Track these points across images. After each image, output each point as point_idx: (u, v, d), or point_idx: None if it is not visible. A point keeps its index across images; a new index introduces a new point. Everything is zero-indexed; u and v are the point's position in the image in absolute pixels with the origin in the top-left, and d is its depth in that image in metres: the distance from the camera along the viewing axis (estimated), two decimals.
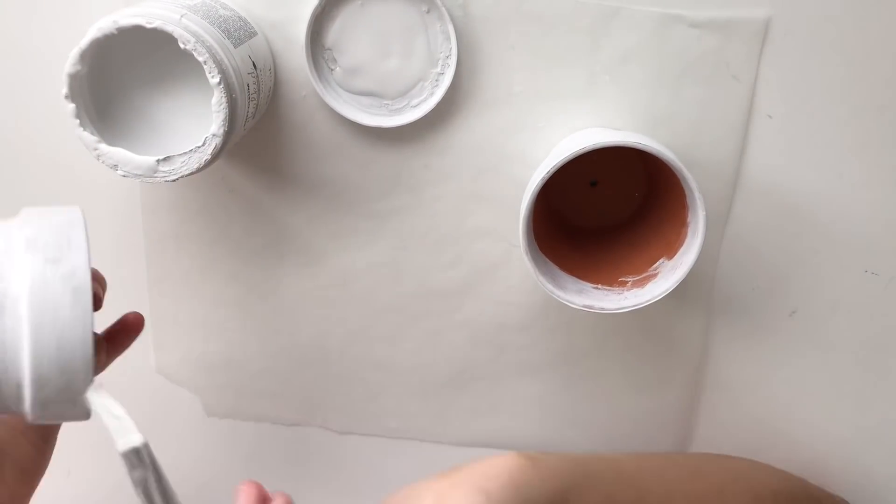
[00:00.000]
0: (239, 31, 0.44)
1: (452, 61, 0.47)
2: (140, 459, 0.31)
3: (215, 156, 0.41)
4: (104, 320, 0.58)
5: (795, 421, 0.56)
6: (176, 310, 0.56)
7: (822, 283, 0.52)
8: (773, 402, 0.56)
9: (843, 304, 0.53)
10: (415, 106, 0.49)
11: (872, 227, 0.51)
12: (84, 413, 0.33)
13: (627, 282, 0.47)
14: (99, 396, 0.32)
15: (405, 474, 0.61)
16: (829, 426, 0.56)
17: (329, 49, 0.47)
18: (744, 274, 0.53)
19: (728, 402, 0.56)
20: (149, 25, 0.39)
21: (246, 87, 0.43)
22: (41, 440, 0.44)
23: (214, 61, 0.40)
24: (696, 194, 0.42)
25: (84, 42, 0.39)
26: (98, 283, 0.44)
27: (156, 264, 0.55)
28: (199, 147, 0.41)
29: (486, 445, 0.59)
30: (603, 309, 0.45)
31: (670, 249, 0.46)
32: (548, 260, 0.47)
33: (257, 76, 0.45)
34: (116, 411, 0.32)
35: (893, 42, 0.47)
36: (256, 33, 0.47)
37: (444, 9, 0.46)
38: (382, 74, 0.48)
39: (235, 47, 0.43)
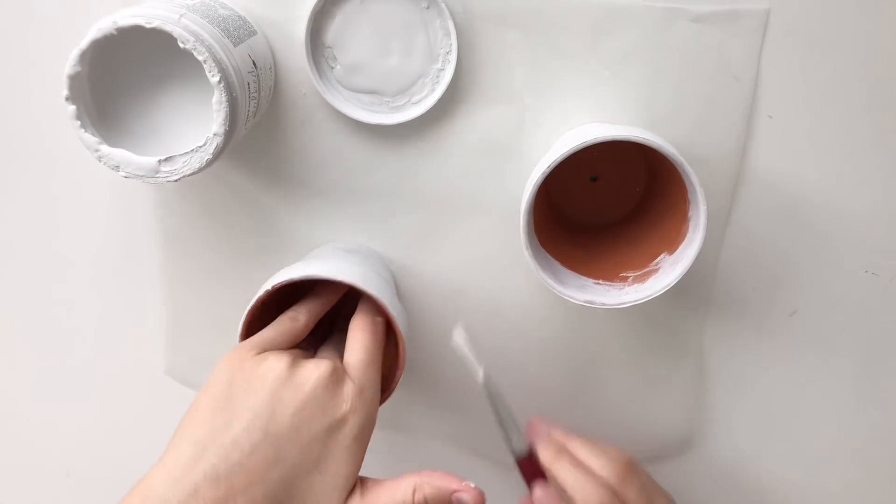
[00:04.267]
0: (238, 31, 0.44)
1: (453, 58, 0.47)
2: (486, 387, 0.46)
3: (217, 155, 0.41)
4: (112, 317, 0.59)
5: (795, 421, 0.56)
6: (184, 311, 0.56)
7: (822, 283, 0.52)
8: (772, 402, 0.56)
9: (843, 304, 0.53)
10: (415, 103, 0.48)
11: (872, 227, 0.51)
12: None
13: (628, 277, 0.47)
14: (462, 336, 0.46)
15: (405, 474, 0.61)
16: (829, 426, 0.56)
17: (329, 47, 0.47)
18: (744, 274, 0.53)
19: (728, 402, 0.56)
20: (148, 25, 0.39)
21: (246, 86, 0.43)
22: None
23: (214, 60, 0.40)
24: (698, 188, 0.42)
25: (84, 43, 0.39)
26: None
27: (164, 266, 0.55)
28: (200, 147, 0.41)
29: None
30: (604, 304, 0.45)
31: (671, 244, 0.46)
32: (549, 255, 0.47)
33: (257, 75, 0.45)
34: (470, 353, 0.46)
35: (894, 41, 0.47)
36: (256, 32, 0.46)
37: (443, 5, 0.45)
38: (383, 72, 0.48)
39: (235, 46, 0.43)
